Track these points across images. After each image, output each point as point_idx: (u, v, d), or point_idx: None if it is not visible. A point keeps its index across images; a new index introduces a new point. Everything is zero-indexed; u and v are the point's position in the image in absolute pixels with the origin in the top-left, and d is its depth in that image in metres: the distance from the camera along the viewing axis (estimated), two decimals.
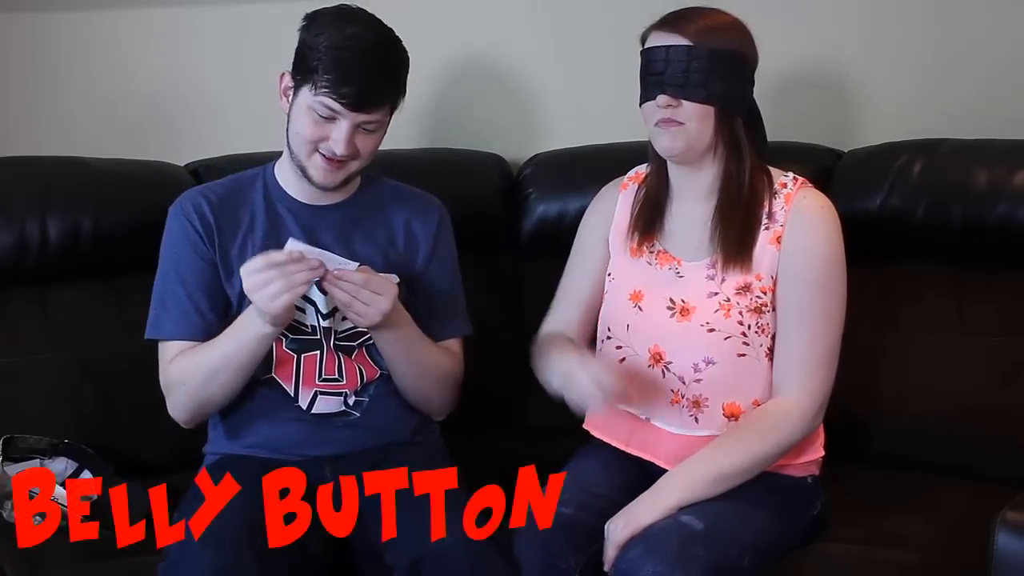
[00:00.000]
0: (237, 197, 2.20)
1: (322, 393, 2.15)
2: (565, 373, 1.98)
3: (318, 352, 2.15)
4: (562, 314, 2.20)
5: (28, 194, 2.41)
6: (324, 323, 2.14)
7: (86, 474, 2.22)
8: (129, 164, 2.53)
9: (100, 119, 2.72)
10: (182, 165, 2.57)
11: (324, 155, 2.07)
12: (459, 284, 2.28)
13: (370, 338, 2.15)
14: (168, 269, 2.16)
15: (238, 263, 2.10)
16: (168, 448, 2.33)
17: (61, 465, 2.23)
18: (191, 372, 2.10)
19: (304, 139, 2.07)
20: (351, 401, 2.16)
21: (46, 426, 2.27)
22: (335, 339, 2.15)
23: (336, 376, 2.15)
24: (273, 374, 2.15)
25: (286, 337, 2.12)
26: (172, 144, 2.68)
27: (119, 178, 2.48)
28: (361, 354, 2.17)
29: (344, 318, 2.12)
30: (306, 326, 2.13)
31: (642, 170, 2.20)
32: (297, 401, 2.15)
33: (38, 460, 2.21)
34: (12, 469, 2.15)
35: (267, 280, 1.94)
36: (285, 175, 2.20)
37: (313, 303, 2.12)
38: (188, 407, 2.13)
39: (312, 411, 2.14)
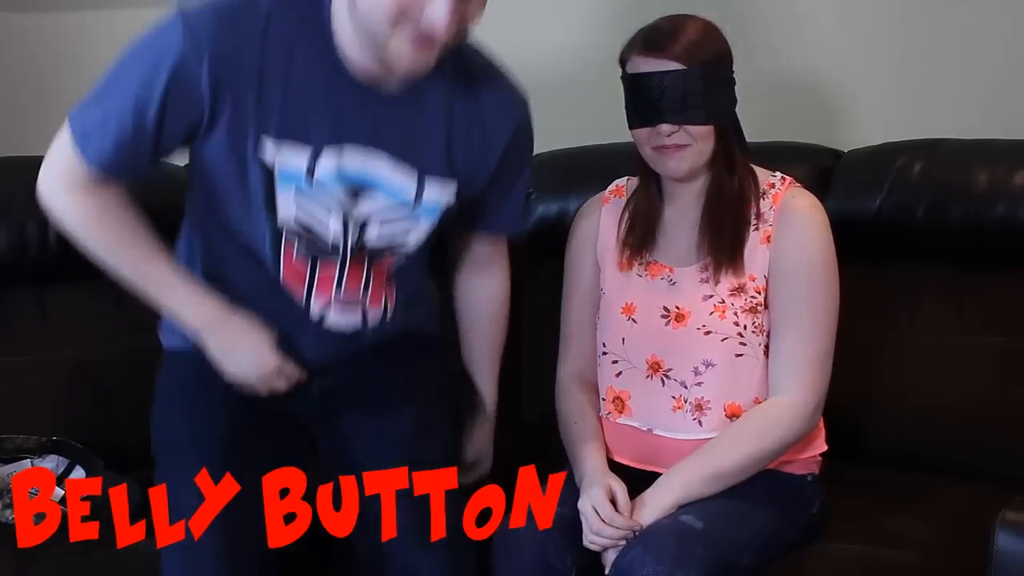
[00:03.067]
0: (290, 37, 1.70)
1: (338, 305, 1.89)
2: (581, 485, 2.00)
3: (337, 263, 1.85)
4: (575, 355, 2.18)
5: (28, 194, 2.40)
6: (352, 240, 1.82)
7: (78, 470, 2.20)
8: None
9: None
10: (182, 165, 2.57)
11: (413, 34, 1.59)
12: (525, 187, 2.05)
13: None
14: (130, 92, 1.72)
15: (256, 118, 1.70)
16: None
17: (52, 463, 2.21)
18: (93, 236, 1.78)
19: (387, 9, 1.57)
20: (371, 321, 1.94)
21: (45, 426, 2.26)
22: (369, 251, 1.87)
23: (359, 297, 1.89)
24: (281, 281, 1.87)
25: (298, 241, 1.79)
26: None
27: None
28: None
29: (377, 231, 1.83)
30: (326, 243, 1.82)
31: (622, 183, 2.19)
32: (308, 313, 1.88)
33: (28, 460, 2.20)
34: (2, 470, 2.14)
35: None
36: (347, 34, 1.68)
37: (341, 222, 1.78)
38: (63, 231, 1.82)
39: (323, 326, 1.90)
